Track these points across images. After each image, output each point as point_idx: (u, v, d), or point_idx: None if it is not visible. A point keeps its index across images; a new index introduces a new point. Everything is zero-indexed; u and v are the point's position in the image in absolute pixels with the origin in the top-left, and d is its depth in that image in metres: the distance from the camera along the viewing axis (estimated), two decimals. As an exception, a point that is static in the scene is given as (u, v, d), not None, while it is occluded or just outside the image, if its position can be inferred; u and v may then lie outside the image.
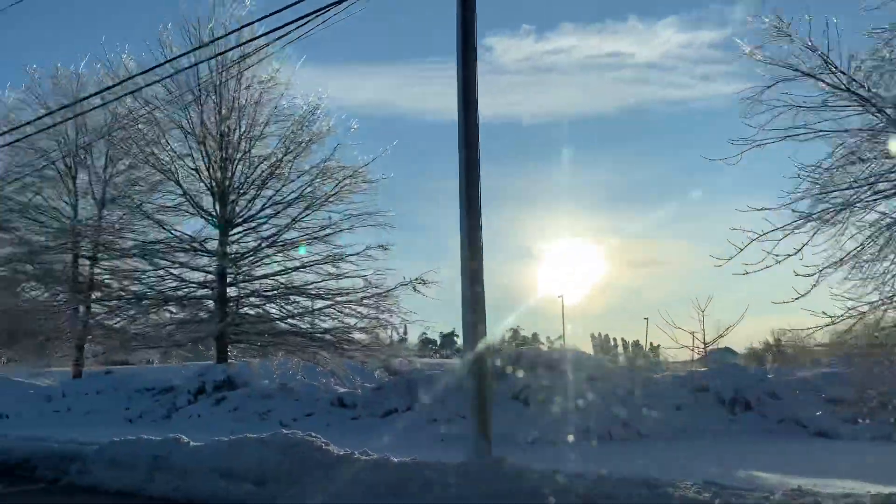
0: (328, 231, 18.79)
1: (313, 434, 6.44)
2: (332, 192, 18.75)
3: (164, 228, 19.01)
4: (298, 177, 18.79)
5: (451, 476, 5.25)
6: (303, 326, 18.81)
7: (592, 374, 9.87)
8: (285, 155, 18.66)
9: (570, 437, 8.33)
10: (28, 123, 17.21)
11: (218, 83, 18.02)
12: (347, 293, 18.47)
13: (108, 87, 15.86)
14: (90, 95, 16.65)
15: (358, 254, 18.33)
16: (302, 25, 8.30)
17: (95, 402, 12.79)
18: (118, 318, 20.16)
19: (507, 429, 7.98)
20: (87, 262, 21.06)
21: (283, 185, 18.72)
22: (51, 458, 8.01)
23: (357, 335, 18.76)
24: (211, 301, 18.64)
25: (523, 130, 71.39)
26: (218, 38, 14.67)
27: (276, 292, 18.91)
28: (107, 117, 19.20)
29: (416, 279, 18.01)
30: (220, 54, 14.86)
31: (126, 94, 15.99)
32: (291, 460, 6.02)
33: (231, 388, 12.60)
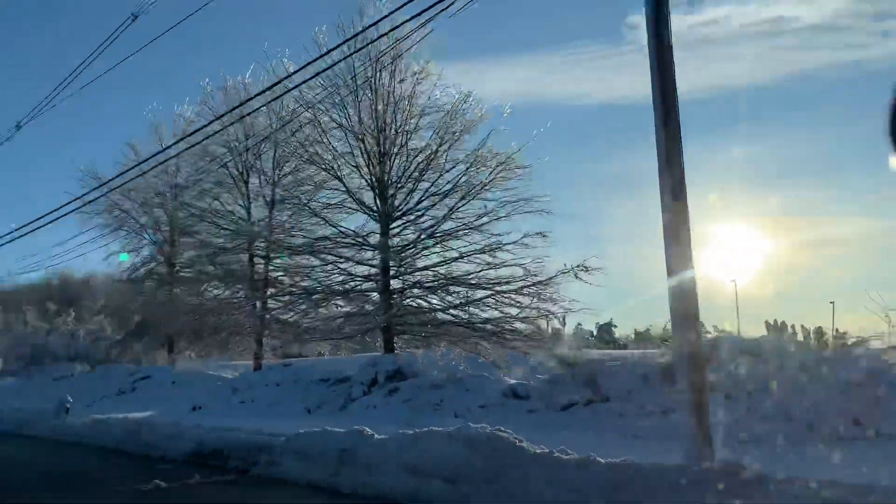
0: (485, 220, 18.47)
1: (502, 429, 5.92)
2: (487, 181, 18.42)
3: (330, 225, 19.63)
4: (453, 167, 18.62)
5: (676, 481, 4.50)
6: (464, 317, 18.62)
7: (803, 362, 8.57)
8: (440, 146, 18.55)
9: (786, 436, 7.20)
10: (198, 131, 18.40)
11: (372, 76, 18.28)
12: (506, 282, 18.06)
13: (269, 87, 16.44)
14: (252, 97, 17.36)
15: (515, 242, 17.86)
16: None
17: (276, 393, 13.25)
18: (291, 313, 21.17)
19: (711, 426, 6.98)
20: (262, 261, 22.29)
21: (438, 177, 18.64)
22: (240, 449, 8.15)
23: (518, 325, 18.32)
24: (376, 293, 18.95)
25: (679, 108, 67.08)
26: (370, 26, 14.60)
27: (436, 283, 18.88)
28: (272, 120, 20.11)
29: (578, 266, 17.17)
30: (373, 41, 14.85)
31: (285, 93, 16.50)
32: (483, 457, 5.53)
33: (401, 379, 12.51)
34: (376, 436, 6.77)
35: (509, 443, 5.60)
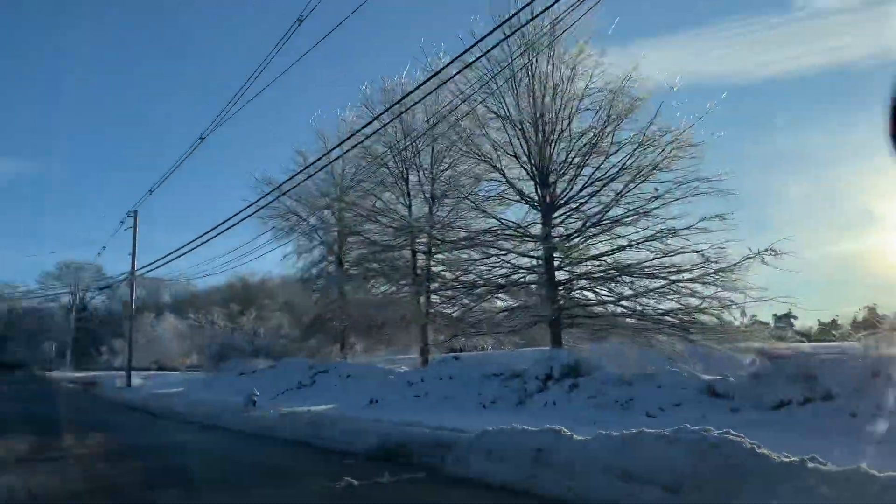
0: (656, 204, 17.23)
1: (733, 432, 5.07)
2: (657, 161, 17.19)
3: (491, 216, 19.32)
4: (619, 149, 17.62)
5: None
6: (637, 309, 17.50)
7: None
8: (604, 128, 17.61)
9: None
10: (358, 132, 18.77)
11: (529, 62, 17.71)
12: (684, 270, 16.71)
13: (425, 81, 16.34)
14: (409, 93, 17.40)
15: (690, 227, 16.49)
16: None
17: (449, 387, 13.03)
18: (454, 307, 21.13)
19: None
20: (424, 256, 22.45)
21: (603, 160, 17.70)
22: (425, 445, 7.87)
23: (699, 316, 16.88)
24: (540, 286, 18.35)
25: (855, 76, 60.46)
26: (524, 7, 13.96)
27: (604, 274, 17.91)
28: (427, 114, 20.13)
29: (766, 250, 15.53)
30: (530, 21, 14.24)
31: (441, 86, 16.34)
32: (713, 465, 4.74)
33: (578, 374, 11.79)
34: (575, 436, 6.15)
35: (746, 449, 4.76)
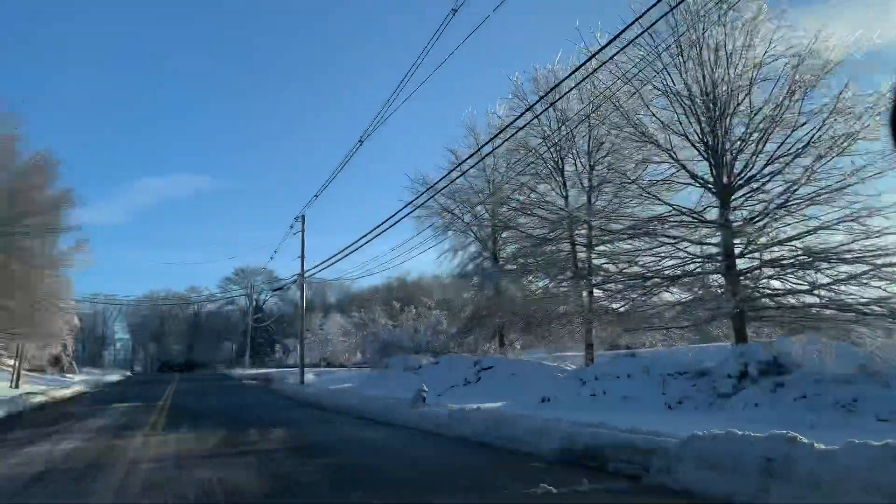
0: (854, 179, 15.19)
1: None
2: (853, 132, 15.16)
3: (661, 201, 18.03)
4: (807, 120, 15.72)
5: None
6: (835, 298, 15.51)
7: None
8: (788, 97, 15.78)
9: None
10: (509, 125, 18.23)
11: (701, 33, 16.29)
12: (890, 253, 14.58)
13: (580, 66, 15.51)
14: (562, 80, 16.62)
15: (892, 205, 14.35)
16: None
17: (628, 385, 12.12)
18: (621, 302, 19.95)
19: None
20: (584, 249, 21.49)
21: (788, 134, 15.87)
22: (619, 450, 7.12)
23: (912, 305, 14.63)
24: (719, 276, 16.81)
25: None
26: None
27: (794, 260, 16.06)
28: (584, 100, 19.19)
29: None
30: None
31: (599, 67, 15.47)
32: None
33: (780, 372, 10.45)
34: (817, 445, 5.17)
35: None
